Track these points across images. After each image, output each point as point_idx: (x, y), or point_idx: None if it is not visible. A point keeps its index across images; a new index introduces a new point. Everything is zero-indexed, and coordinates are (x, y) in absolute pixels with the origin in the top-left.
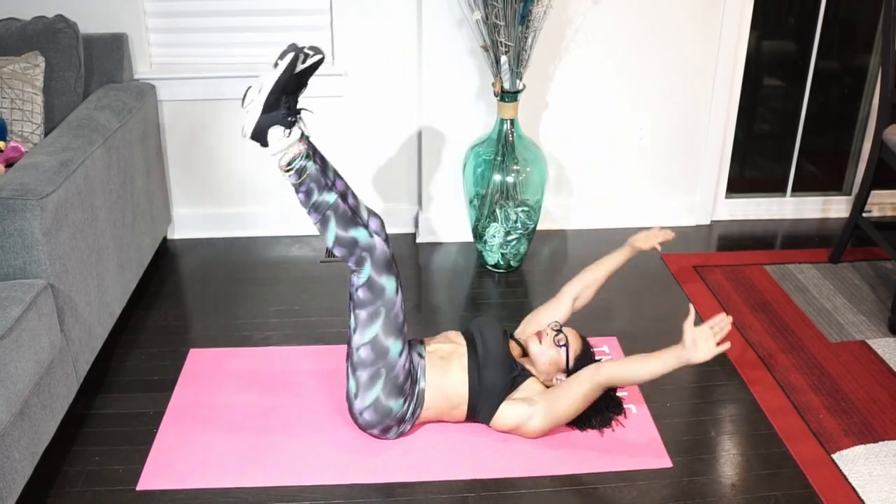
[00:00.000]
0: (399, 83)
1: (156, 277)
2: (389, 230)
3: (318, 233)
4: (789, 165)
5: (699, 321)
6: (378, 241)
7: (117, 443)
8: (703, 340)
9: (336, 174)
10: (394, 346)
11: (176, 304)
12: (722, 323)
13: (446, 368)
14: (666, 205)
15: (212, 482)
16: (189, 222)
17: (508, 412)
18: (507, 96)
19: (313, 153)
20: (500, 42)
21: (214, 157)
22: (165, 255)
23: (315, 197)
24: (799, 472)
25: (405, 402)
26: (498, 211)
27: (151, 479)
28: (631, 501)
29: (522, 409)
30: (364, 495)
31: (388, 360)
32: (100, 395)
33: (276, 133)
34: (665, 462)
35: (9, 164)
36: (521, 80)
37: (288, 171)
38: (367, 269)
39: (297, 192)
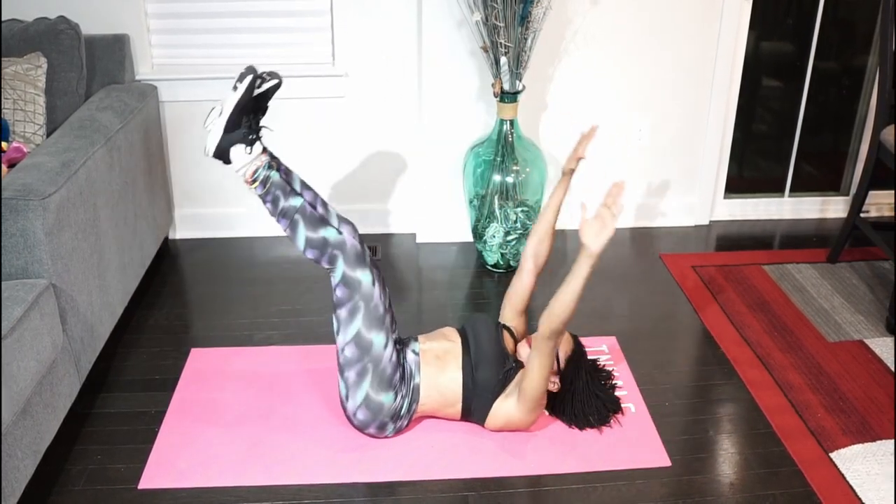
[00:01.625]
0: (399, 84)
1: (157, 277)
2: (390, 230)
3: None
4: (787, 166)
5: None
6: (348, 238)
7: (119, 442)
8: (594, 226)
9: (304, 185)
10: (377, 338)
11: (177, 304)
12: (614, 192)
13: (443, 367)
14: (665, 205)
15: (213, 481)
16: (190, 222)
17: (498, 412)
18: (507, 97)
19: (276, 164)
20: (500, 43)
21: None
22: (167, 255)
23: (282, 203)
24: (797, 471)
25: (396, 395)
26: (498, 211)
27: (153, 477)
28: (630, 500)
29: (506, 404)
30: (364, 494)
31: (373, 353)
32: (102, 395)
33: (237, 151)
34: (664, 461)
35: (11, 165)
36: (520, 80)
37: (253, 183)
38: (341, 266)
39: (265, 202)
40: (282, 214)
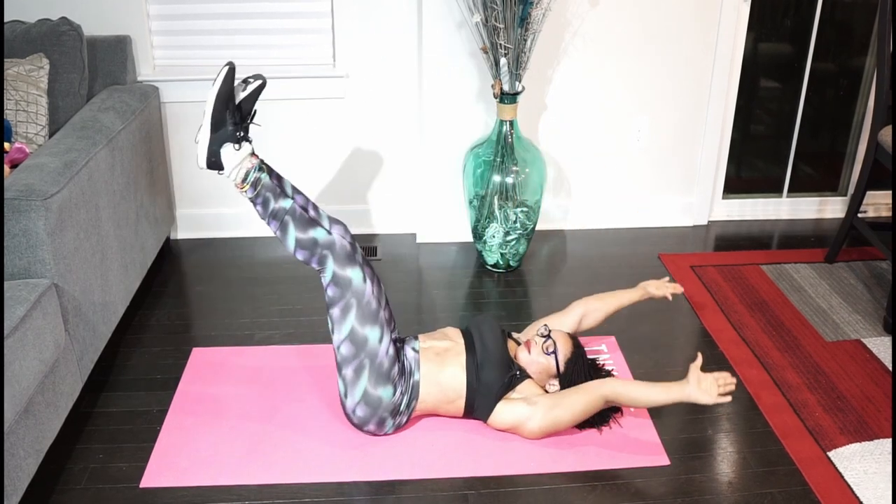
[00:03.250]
0: (399, 85)
1: (159, 277)
2: (390, 231)
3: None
4: (786, 166)
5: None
6: (337, 237)
7: (121, 441)
8: (706, 383)
9: (295, 190)
10: (371, 333)
11: (179, 304)
12: (727, 380)
13: (442, 364)
14: (663, 205)
15: (214, 480)
16: (192, 223)
17: (506, 411)
18: (507, 98)
19: (267, 168)
20: (500, 44)
21: None
22: (168, 255)
23: (272, 205)
24: (795, 470)
25: (395, 390)
26: (497, 211)
27: (154, 476)
28: (629, 499)
29: (521, 408)
30: (365, 492)
31: (369, 349)
32: (103, 394)
33: (227, 151)
34: (663, 460)
35: (14, 166)
36: (520, 81)
37: (244, 185)
38: (331, 266)
39: (255, 205)
40: (272, 216)
